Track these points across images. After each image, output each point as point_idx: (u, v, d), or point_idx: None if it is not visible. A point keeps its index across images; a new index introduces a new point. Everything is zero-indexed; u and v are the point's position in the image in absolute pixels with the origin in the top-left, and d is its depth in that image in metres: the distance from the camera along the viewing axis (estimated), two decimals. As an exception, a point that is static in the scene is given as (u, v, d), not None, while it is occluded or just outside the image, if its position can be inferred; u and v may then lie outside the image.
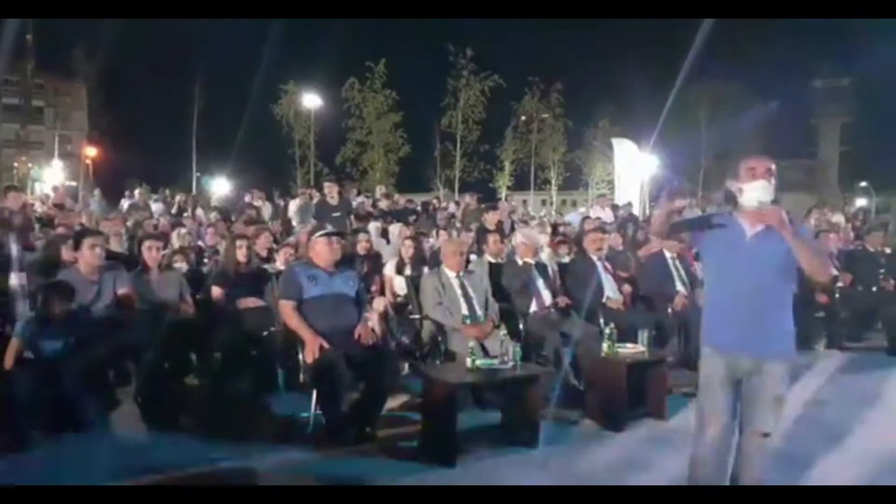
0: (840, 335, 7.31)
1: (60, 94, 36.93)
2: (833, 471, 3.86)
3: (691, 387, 5.40)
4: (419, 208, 13.51)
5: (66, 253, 5.14)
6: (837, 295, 7.39)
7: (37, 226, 7.30)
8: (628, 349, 4.83)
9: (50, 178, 26.86)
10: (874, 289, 7.82)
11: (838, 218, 14.03)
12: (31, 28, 30.23)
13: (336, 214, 8.63)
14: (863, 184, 34.44)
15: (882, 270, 7.98)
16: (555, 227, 10.47)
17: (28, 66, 33.78)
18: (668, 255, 6.58)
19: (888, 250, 8.57)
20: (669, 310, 6.14)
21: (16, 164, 31.54)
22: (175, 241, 6.52)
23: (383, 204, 12.88)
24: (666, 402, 4.88)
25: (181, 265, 5.80)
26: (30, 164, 31.09)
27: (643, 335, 4.93)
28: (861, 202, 27.77)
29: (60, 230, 6.84)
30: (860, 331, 7.59)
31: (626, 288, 6.21)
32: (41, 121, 36.88)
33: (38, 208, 9.71)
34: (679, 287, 6.34)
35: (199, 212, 10.55)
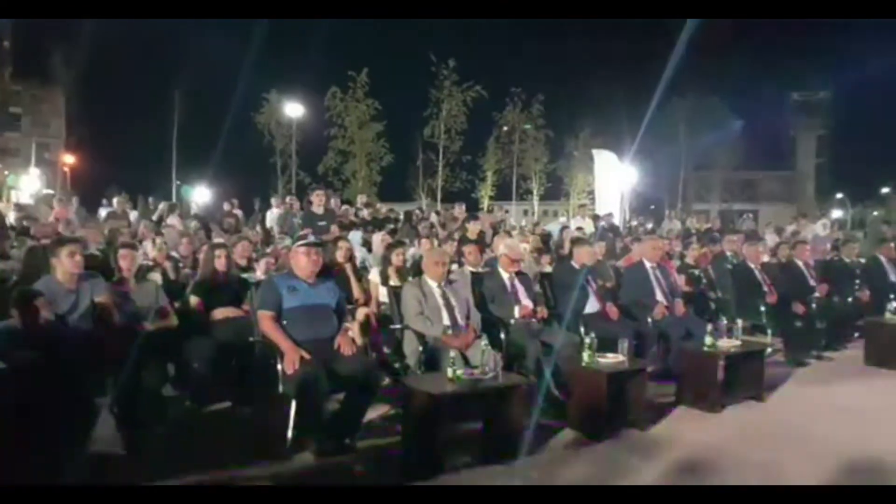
0: (817, 345, 7.39)
1: (38, 100, 36.42)
2: (805, 479, 3.88)
3: (670, 396, 5.47)
4: (401, 217, 13.50)
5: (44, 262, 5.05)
6: (814, 305, 7.48)
7: (12, 234, 7.17)
8: (609, 359, 4.85)
9: (27, 185, 26.46)
10: (850, 299, 7.93)
11: (819, 228, 14.24)
12: (8, 34, 29.88)
13: (321, 223, 8.59)
14: (839, 195, 35.05)
15: (857, 281, 8.12)
16: (543, 237, 10.48)
17: (5, 72, 33.41)
18: (647, 265, 6.63)
19: (863, 261, 8.73)
20: (649, 319, 6.18)
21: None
22: (150, 251, 6.44)
23: (365, 213, 12.87)
24: (645, 412, 4.90)
25: (157, 275, 5.73)
26: (6, 172, 30.60)
27: (623, 345, 4.95)
28: (837, 213, 28.21)
29: (33, 240, 6.74)
30: (837, 341, 7.68)
31: (612, 309, 6.18)
32: (18, 128, 36.33)
33: (13, 217, 9.55)
34: (659, 297, 6.38)
35: (177, 220, 10.44)
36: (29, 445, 3.97)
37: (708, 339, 5.44)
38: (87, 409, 4.28)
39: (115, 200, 12.75)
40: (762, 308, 7.15)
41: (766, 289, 7.45)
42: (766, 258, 8.45)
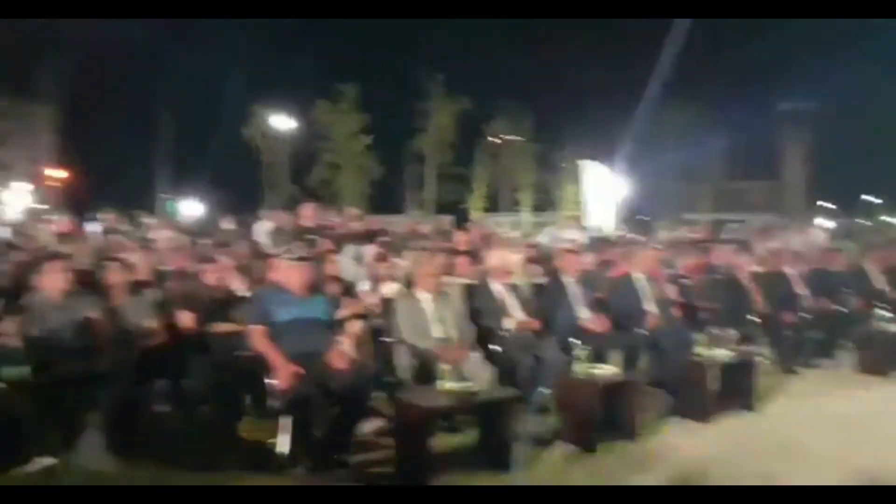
0: (808, 354, 7.43)
1: (27, 116, 36.24)
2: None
3: (663, 407, 5.48)
4: (392, 229, 13.48)
5: (33, 278, 5.01)
6: (804, 314, 7.52)
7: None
8: (600, 370, 4.85)
9: (14, 201, 26.27)
10: (841, 308, 7.98)
11: (809, 237, 14.31)
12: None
13: (311, 237, 8.57)
14: (826, 205, 35.34)
15: (847, 289, 8.16)
16: (534, 249, 10.44)
17: (-7, 87, 33.26)
18: (637, 275, 6.65)
19: (850, 269, 8.79)
20: (640, 330, 6.19)
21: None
22: (140, 266, 6.39)
23: (355, 225, 12.82)
24: (638, 424, 4.91)
25: (149, 290, 5.69)
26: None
27: (614, 356, 4.96)
28: (824, 222, 28.43)
29: (25, 254, 6.68)
30: (828, 349, 7.72)
31: (603, 320, 6.17)
32: (5, 143, 36.12)
33: (1, 232, 9.47)
34: (649, 307, 6.39)
35: (167, 233, 10.37)
36: (19, 459, 3.96)
37: (699, 349, 5.46)
38: (76, 424, 4.26)
39: (103, 215, 12.67)
40: (751, 318, 7.19)
41: (755, 299, 7.50)
42: (754, 268, 8.48)
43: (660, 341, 6.06)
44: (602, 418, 4.75)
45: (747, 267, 8.08)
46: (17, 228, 9.98)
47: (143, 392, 4.91)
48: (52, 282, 4.67)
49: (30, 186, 30.10)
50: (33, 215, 15.38)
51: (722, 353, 5.50)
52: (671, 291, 7.25)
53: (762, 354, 6.79)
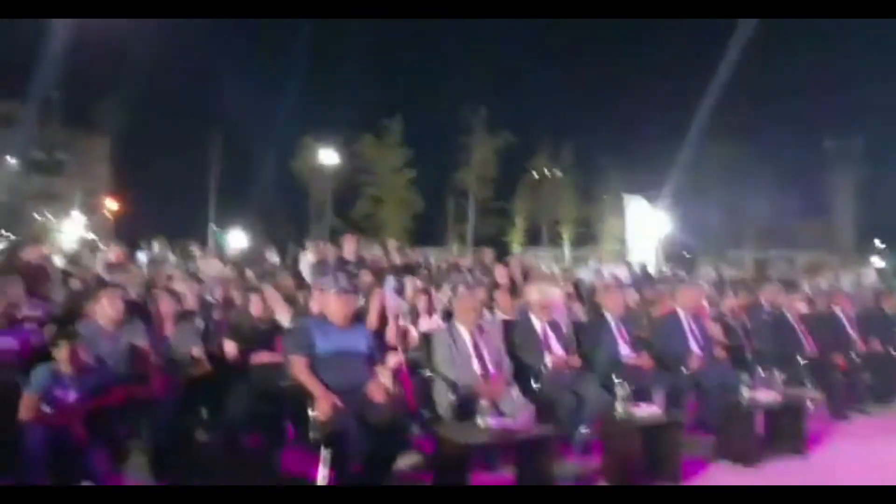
0: (860, 398, 7.17)
1: (83, 147, 37.78)
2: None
3: (707, 450, 5.33)
4: (433, 262, 13.55)
5: (86, 306, 5.20)
6: (856, 357, 7.28)
7: (58, 278, 7.37)
8: (643, 410, 4.76)
9: (70, 230, 27.29)
10: (894, 351, 7.70)
11: (860, 277, 13.90)
12: (58, 84, 31.25)
13: (352, 269, 8.68)
14: (879, 243, 34.24)
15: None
16: (575, 284, 10.35)
17: (53, 120, 34.86)
18: (682, 314, 6.54)
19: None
20: (684, 370, 6.06)
21: (38, 217, 32.13)
22: (189, 296, 6.56)
23: (396, 258, 12.94)
24: (681, 465, 4.79)
25: (195, 320, 5.83)
26: (52, 217, 31.62)
27: (657, 396, 4.87)
28: (877, 262, 27.53)
29: (79, 282, 6.93)
30: (882, 394, 7.43)
31: (646, 358, 6.08)
32: (64, 174, 37.66)
33: (58, 261, 9.83)
34: (694, 347, 6.27)
35: (214, 264, 10.63)
36: (65, 482, 4.06)
37: (745, 392, 5.32)
38: (123, 449, 4.36)
39: (153, 245, 13.05)
40: (801, 360, 6.98)
41: (804, 340, 7.29)
42: (804, 309, 8.27)
43: (704, 382, 5.93)
44: (645, 459, 4.64)
45: (796, 307, 7.88)
46: (72, 257, 10.36)
47: (187, 419, 5.01)
48: (103, 310, 4.83)
49: (84, 216, 31.21)
50: (87, 245, 15.95)
51: (769, 396, 5.35)
52: (716, 331, 7.12)
53: (812, 398, 6.57)
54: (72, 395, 4.27)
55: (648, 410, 4.78)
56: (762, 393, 5.35)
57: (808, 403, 5.94)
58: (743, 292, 8.88)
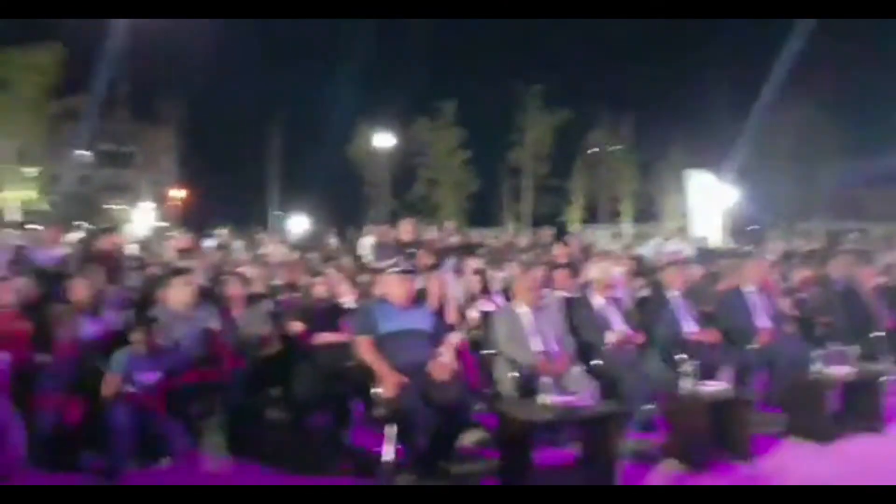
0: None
1: (150, 139, 39.19)
2: None
3: (778, 427, 5.20)
4: (489, 242, 13.56)
5: (158, 291, 5.44)
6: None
7: (131, 265, 7.70)
8: (711, 387, 4.69)
9: (140, 220, 28.41)
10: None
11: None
12: (125, 79, 32.47)
13: (411, 251, 8.78)
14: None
15: None
16: (637, 261, 10.16)
17: (121, 114, 36.29)
18: (748, 288, 6.37)
19: None
20: (752, 346, 5.92)
21: (109, 207, 33.59)
22: (256, 280, 6.77)
23: (454, 239, 13.01)
24: (751, 443, 4.70)
25: (264, 302, 6.01)
26: (122, 207, 32.99)
27: (725, 373, 4.78)
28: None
29: (152, 269, 7.23)
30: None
31: (712, 334, 5.95)
32: (132, 165, 39.20)
33: (130, 249, 10.26)
34: (761, 322, 6.10)
35: (279, 248, 10.91)
36: (145, 459, 4.30)
37: (817, 366, 5.16)
38: (198, 428, 4.56)
39: (220, 232, 13.48)
40: (876, 334, 6.70)
41: (879, 313, 6.99)
42: (878, 280, 7.91)
43: (774, 358, 5.78)
44: (712, 437, 4.58)
45: (870, 279, 7.56)
46: (144, 245, 10.80)
47: (257, 399, 5.21)
48: (177, 295, 5.04)
49: (153, 206, 32.45)
50: (157, 233, 16.60)
51: (842, 371, 5.17)
52: (785, 305, 6.90)
53: (888, 372, 6.31)
54: (150, 377, 4.49)
55: (716, 387, 4.70)
56: (834, 368, 5.18)
57: (884, 378, 5.71)
58: (814, 264, 8.57)
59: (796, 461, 4.65)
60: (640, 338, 5.73)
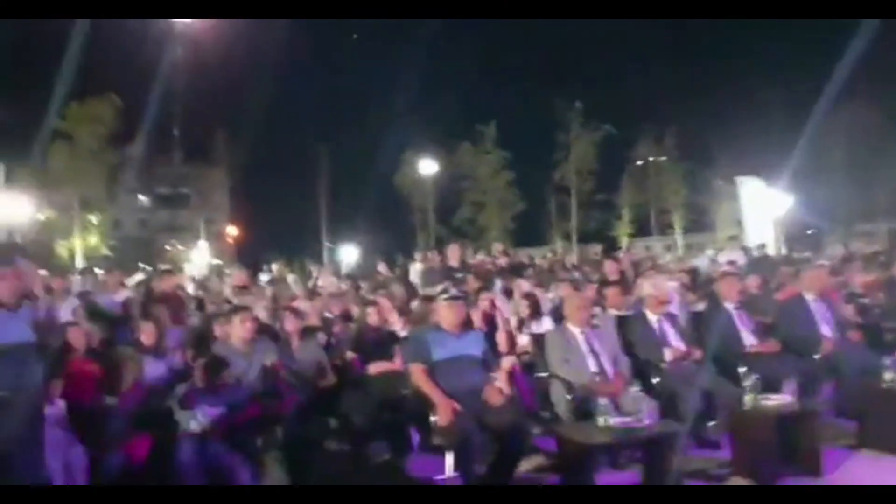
0: None
1: (204, 179, 40.49)
2: None
3: (849, 440, 5.00)
4: (537, 262, 13.51)
5: (217, 328, 5.60)
6: None
7: (191, 305, 7.95)
8: (774, 400, 4.55)
9: (197, 258, 29.28)
10: None
11: None
12: (177, 122, 33.82)
13: (458, 276, 8.84)
14: None
15: None
16: (690, 273, 9.95)
17: (175, 156, 37.72)
18: (808, 296, 6.18)
19: None
20: (817, 356, 5.72)
21: (167, 248, 34.77)
22: (311, 313, 6.90)
23: (502, 261, 13.01)
24: (821, 457, 4.53)
25: (319, 335, 6.13)
26: (179, 247, 34.11)
27: (789, 385, 4.64)
28: None
29: (211, 307, 7.44)
30: None
31: (773, 345, 5.79)
32: (188, 206, 40.56)
33: (190, 288, 10.59)
34: (824, 331, 5.90)
35: (331, 280, 11.10)
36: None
37: (888, 375, 4.96)
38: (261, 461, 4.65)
39: (273, 266, 13.81)
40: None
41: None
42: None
43: (840, 367, 5.58)
44: (780, 452, 4.43)
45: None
46: (202, 284, 11.13)
47: (316, 430, 5.28)
48: (235, 331, 5.18)
49: (209, 244, 33.46)
50: (214, 271, 17.08)
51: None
52: (848, 311, 6.67)
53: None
54: (213, 412, 4.61)
55: (780, 400, 4.56)
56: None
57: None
58: (876, 268, 8.27)
59: (870, 474, 4.45)
60: (697, 353, 5.60)
